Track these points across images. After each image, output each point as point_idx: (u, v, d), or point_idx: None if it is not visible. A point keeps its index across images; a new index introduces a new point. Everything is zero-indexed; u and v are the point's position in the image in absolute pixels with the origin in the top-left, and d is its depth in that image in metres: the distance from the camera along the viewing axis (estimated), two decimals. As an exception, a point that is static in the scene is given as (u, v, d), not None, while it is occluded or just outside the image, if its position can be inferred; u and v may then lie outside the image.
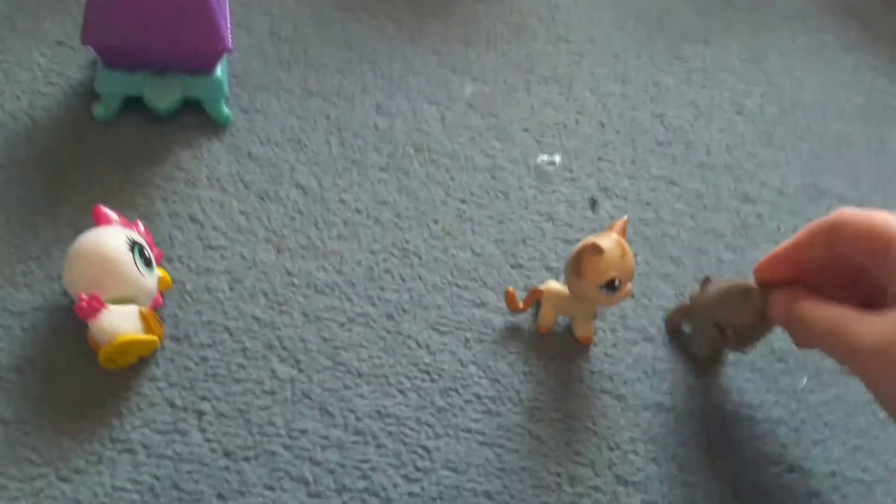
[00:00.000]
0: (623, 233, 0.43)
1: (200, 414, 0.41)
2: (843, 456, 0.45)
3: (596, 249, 0.41)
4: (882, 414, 0.46)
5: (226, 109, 0.53)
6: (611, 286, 0.41)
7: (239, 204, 0.49)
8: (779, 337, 0.47)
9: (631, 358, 0.47)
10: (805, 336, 0.38)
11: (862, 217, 0.36)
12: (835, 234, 0.37)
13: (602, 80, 0.64)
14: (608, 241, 0.41)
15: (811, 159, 0.62)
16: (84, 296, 0.39)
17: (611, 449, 0.43)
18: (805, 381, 0.47)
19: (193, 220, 0.48)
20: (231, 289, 0.45)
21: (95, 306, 0.39)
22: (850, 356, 0.34)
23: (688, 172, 0.58)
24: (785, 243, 0.40)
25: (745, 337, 0.43)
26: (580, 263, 0.41)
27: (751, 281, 0.42)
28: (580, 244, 0.42)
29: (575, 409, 0.44)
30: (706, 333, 0.44)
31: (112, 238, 0.40)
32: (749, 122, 0.64)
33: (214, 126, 0.53)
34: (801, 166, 0.61)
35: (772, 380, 0.47)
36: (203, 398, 0.41)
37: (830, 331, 0.35)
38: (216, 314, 0.44)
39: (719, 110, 0.64)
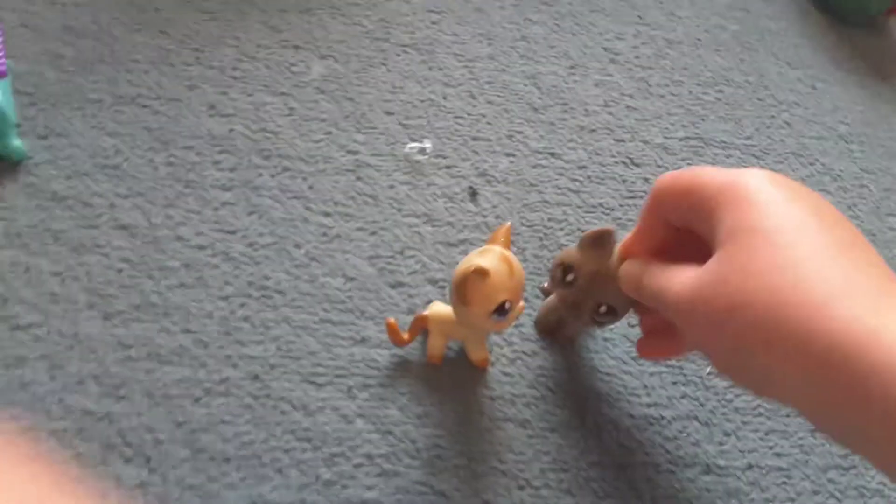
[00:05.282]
0: (507, 242, 0.38)
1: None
2: (756, 444, 0.43)
3: (481, 273, 0.35)
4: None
5: (17, 141, 0.43)
6: (501, 311, 0.36)
7: (49, 264, 0.40)
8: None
9: (532, 373, 0.42)
10: (646, 299, 0.35)
11: (676, 178, 0.33)
12: (658, 203, 0.34)
13: (466, 41, 0.57)
14: (492, 258, 0.36)
15: (691, 104, 0.59)
16: None
17: (521, 488, 0.39)
18: (710, 367, 0.45)
19: (-8, 294, 0.39)
20: (52, 378, 0.37)
21: None
22: (665, 308, 0.33)
23: (568, 140, 0.53)
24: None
25: (585, 287, 0.38)
26: (464, 290, 0.36)
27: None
28: (461, 267, 0.36)
29: (478, 449, 0.39)
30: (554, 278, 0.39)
31: None
32: (625, 70, 0.60)
33: (5, 164, 0.43)
34: (681, 114, 0.58)
35: (678, 371, 0.45)
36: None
37: (655, 288, 0.33)
38: (36, 416, 0.36)
39: (593, 59, 0.59)
